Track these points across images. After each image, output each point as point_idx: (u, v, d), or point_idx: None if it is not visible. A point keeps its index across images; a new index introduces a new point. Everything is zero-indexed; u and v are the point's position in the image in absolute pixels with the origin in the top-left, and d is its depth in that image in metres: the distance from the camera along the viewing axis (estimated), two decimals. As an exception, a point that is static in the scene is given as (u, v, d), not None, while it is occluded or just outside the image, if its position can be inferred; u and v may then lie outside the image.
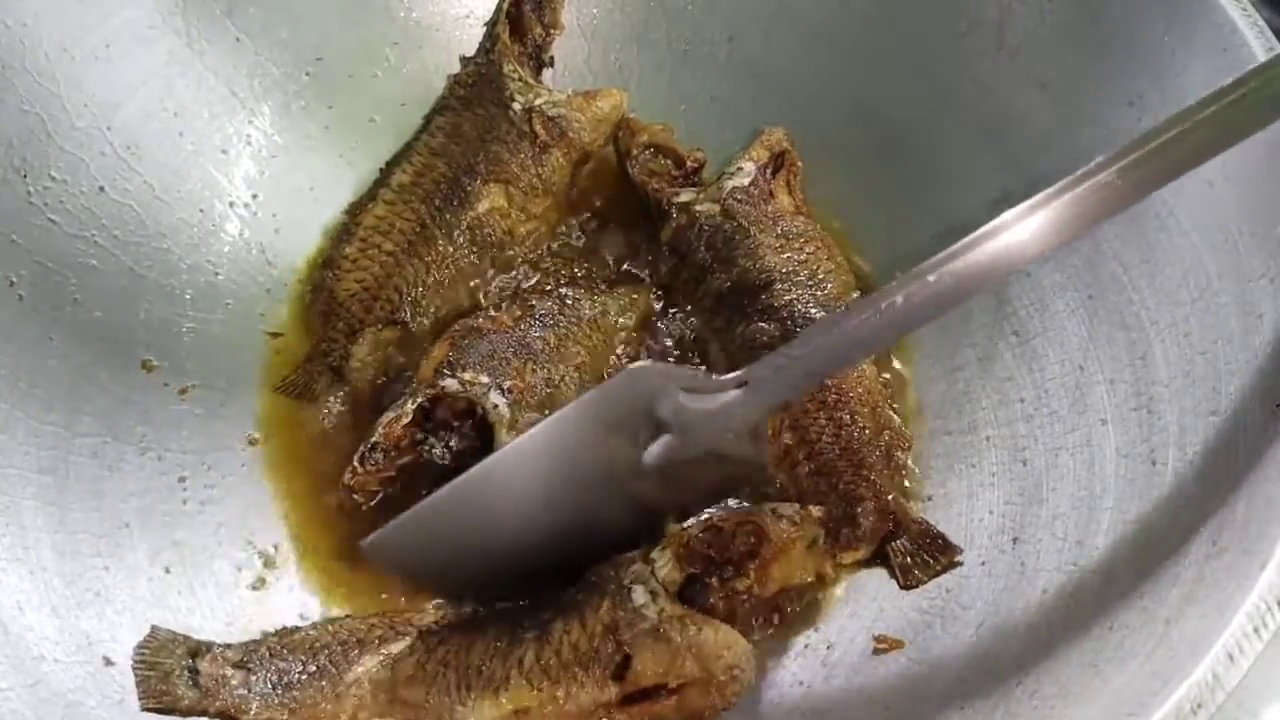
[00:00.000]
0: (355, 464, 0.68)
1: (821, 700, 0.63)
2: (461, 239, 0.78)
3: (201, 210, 0.78)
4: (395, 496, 0.69)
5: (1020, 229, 0.53)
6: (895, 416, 0.73)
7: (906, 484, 0.71)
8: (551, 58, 0.86)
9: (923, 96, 0.79)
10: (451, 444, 0.69)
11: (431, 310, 0.77)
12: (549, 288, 0.77)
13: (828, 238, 0.78)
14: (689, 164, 0.81)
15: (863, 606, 0.67)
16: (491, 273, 0.79)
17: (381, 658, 0.61)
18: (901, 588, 0.66)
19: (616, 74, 0.87)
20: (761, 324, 0.73)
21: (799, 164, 0.81)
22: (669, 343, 0.78)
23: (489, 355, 0.71)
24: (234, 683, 0.61)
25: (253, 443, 0.74)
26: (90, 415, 0.69)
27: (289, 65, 0.82)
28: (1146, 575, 0.54)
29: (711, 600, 0.59)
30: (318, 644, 0.63)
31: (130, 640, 0.62)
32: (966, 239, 0.54)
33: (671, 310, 0.79)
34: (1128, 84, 0.68)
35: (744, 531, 0.60)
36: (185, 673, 0.61)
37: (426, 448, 0.69)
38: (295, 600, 0.69)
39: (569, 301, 0.75)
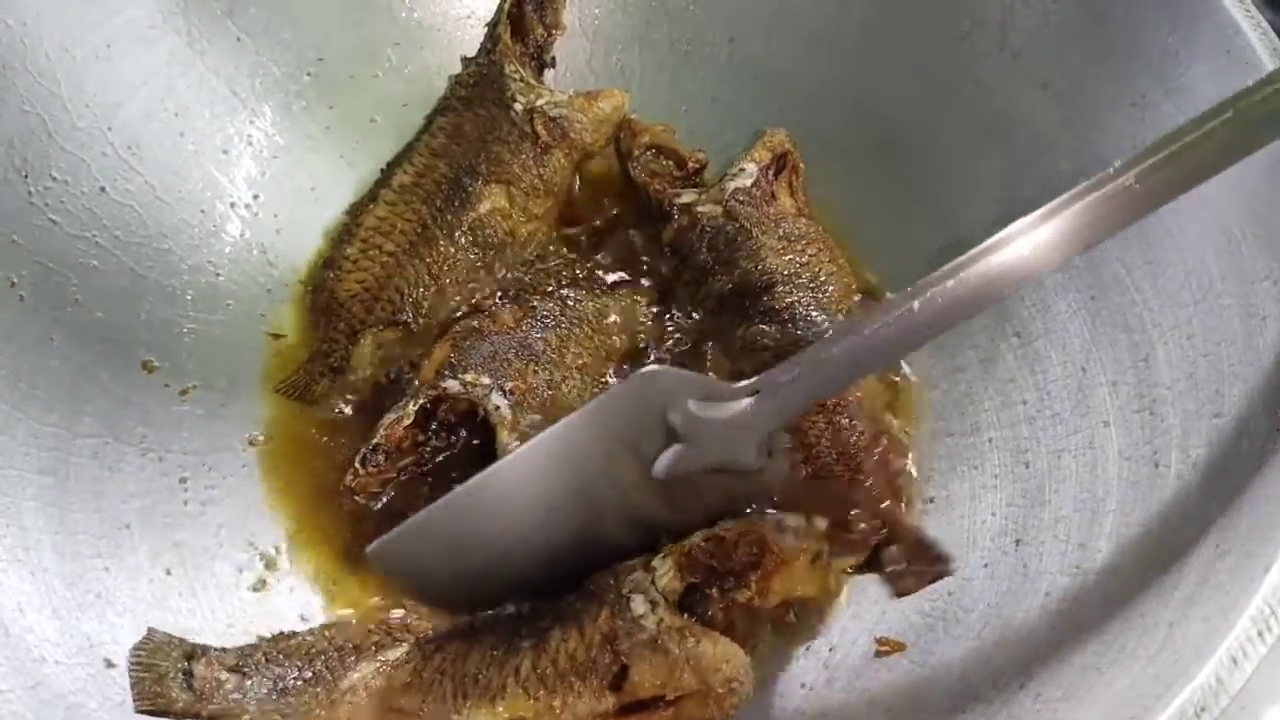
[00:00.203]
0: (357, 465, 0.68)
1: (823, 703, 0.63)
2: (463, 240, 0.78)
3: (202, 211, 0.78)
4: (397, 498, 0.69)
5: (1037, 234, 0.52)
6: (894, 422, 0.72)
7: (902, 491, 0.70)
8: (553, 58, 0.86)
9: (924, 97, 0.78)
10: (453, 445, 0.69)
11: (433, 311, 0.77)
12: (550, 289, 0.77)
13: (830, 240, 0.78)
14: (690, 165, 0.81)
15: (865, 609, 0.67)
16: (494, 273, 0.79)
17: (378, 665, 0.61)
18: (894, 596, 0.66)
19: (618, 74, 0.87)
20: (763, 326, 0.73)
21: (801, 165, 0.80)
22: (670, 344, 0.77)
23: (490, 357, 0.70)
24: (228, 687, 0.61)
25: (253, 444, 0.74)
26: (91, 416, 0.69)
27: (290, 65, 0.82)
28: (1149, 578, 0.54)
29: (711, 611, 0.59)
30: (314, 650, 0.63)
31: (131, 642, 0.62)
32: (982, 245, 0.53)
33: (673, 312, 0.78)
34: (1131, 85, 0.67)
35: (746, 542, 0.58)
36: (180, 675, 0.61)
37: (428, 449, 0.68)
38: (296, 601, 0.69)
39: (570, 303, 0.75)
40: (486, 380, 0.69)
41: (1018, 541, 0.64)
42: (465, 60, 0.84)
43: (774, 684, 0.64)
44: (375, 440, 0.67)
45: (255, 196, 0.80)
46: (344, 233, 0.80)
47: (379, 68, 0.85)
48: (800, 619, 0.67)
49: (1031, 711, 0.51)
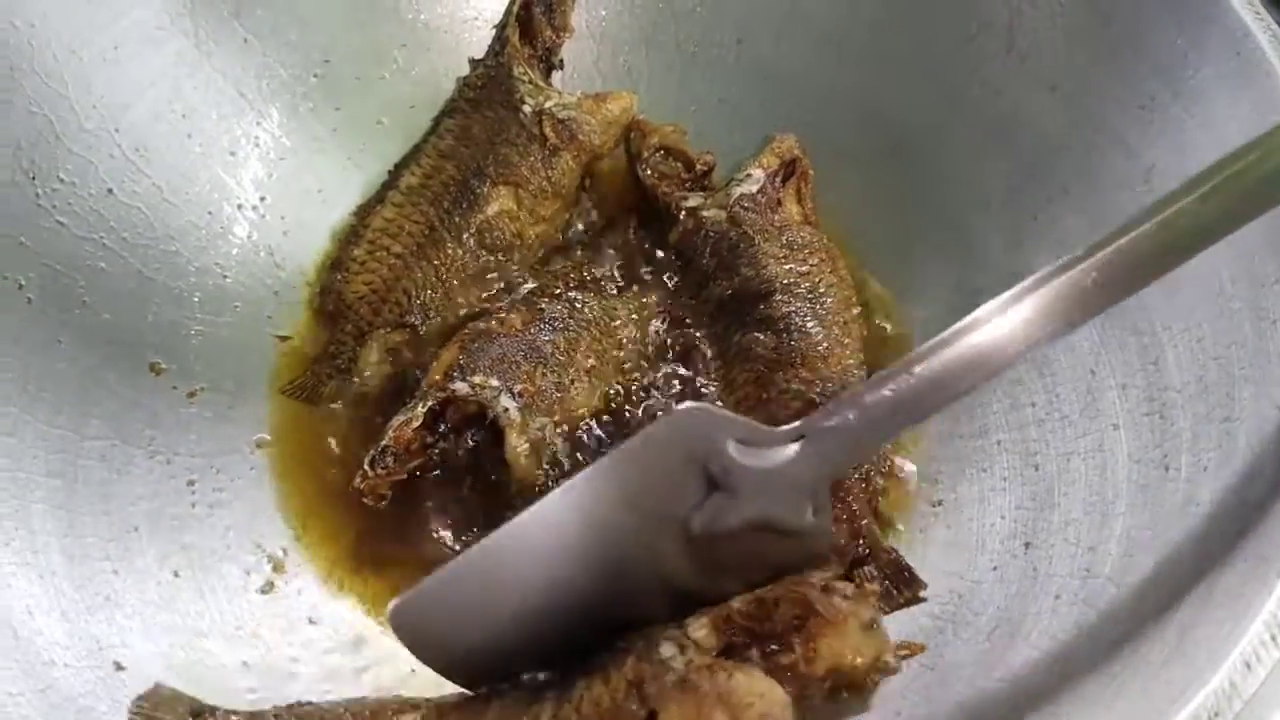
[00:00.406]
0: (365, 467, 0.67)
1: (831, 704, 0.62)
2: (470, 241, 0.77)
3: (210, 212, 0.78)
4: (402, 499, 0.69)
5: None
6: None
7: (882, 510, 0.70)
8: (561, 60, 0.86)
9: (932, 99, 0.78)
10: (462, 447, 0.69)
11: (440, 313, 0.77)
12: (558, 291, 0.77)
13: (834, 249, 0.77)
14: (699, 167, 0.81)
15: (873, 611, 0.66)
16: (502, 275, 0.79)
17: None
18: None
19: (625, 76, 0.87)
20: (757, 333, 0.73)
21: (810, 172, 0.80)
22: (672, 345, 0.77)
23: (499, 359, 0.70)
24: None
25: (261, 446, 0.74)
26: (99, 418, 0.69)
27: (297, 67, 0.82)
28: (1161, 582, 0.54)
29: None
30: (328, 716, 0.58)
31: (140, 645, 0.62)
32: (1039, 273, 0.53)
33: (679, 315, 0.78)
34: (1139, 87, 0.67)
35: (788, 601, 0.53)
36: None
37: (436, 451, 0.68)
38: (304, 603, 0.69)
39: (578, 305, 0.75)
40: (495, 383, 0.69)
41: (1027, 545, 0.64)
42: (473, 62, 0.84)
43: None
44: (384, 442, 0.67)
45: (262, 198, 0.80)
46: (351, 235, 0.80)
47: (386, 70, 0.85)
48: (853, 698, 0.58)
49: (1044, 716, 0.51)
